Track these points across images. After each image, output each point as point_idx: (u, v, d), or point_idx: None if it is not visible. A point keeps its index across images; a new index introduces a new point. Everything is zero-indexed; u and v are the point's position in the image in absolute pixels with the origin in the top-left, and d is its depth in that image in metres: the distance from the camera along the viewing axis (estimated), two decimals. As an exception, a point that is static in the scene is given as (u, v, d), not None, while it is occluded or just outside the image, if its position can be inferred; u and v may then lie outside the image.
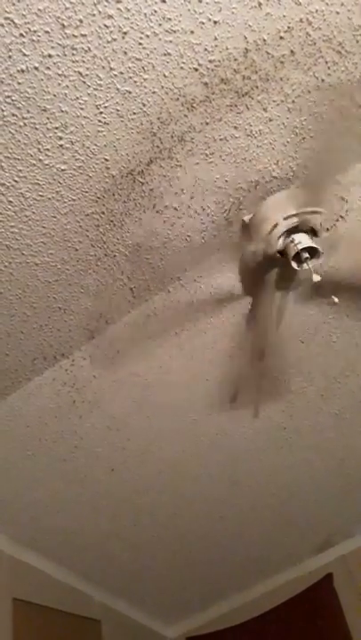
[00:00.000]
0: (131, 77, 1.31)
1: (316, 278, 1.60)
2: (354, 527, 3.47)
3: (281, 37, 1.33)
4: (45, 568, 2.80)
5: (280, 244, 1.64)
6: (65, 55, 1.23)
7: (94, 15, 1.18)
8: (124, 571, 3.16)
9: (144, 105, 1.37)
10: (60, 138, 1.36)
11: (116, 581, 3.23)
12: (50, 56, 1.22)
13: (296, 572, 3.64)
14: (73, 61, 1.24)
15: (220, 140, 1.51)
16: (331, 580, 3.48)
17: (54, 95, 1.28)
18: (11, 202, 1.45)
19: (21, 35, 1.17)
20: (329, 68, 1.43)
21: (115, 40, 1.23)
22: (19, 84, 1.24)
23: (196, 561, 3.31)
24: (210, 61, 1.33)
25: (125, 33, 1.23)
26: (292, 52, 1.37)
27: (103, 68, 1.27)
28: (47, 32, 1.18)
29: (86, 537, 2.78)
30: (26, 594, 2.55)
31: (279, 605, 3.56)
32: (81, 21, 1.19)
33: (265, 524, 3.19)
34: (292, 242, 1.62)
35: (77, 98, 1.30)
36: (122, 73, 1.29)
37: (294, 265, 1.62)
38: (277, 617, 3.55)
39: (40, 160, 1.39)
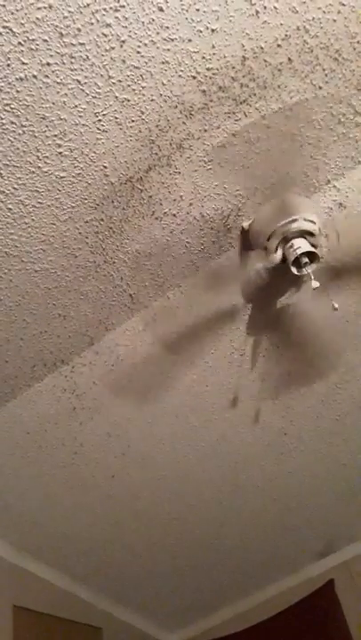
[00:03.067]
0: (129, 85, 1.31)
1: (316, 284, 1.60)
2: (355, 533, 3.46)
3: (278, 45, 1.34)
4: (46, 575, 2.80)
5: (279, 249, 1.64)
6: (63, 63, 1.23)
7: (92, 24, 1.19)
8: (126, 577, 3.15)
9: (142, 113, 1.37)
10: (59, 145, 1.37)
11: (118, 588, 3.23)
12: (48, 64, 1.23)
13: (298, 579, 3.63)
14: (71, 69, 1.25)
15: (219, 147, 1.51)
16: (333, 586, 3.47)
17: (53, 103, 1.29)
18: (10, 209, 1.46)
19: (20, 43, 1.18)
20: (326, 75, 1.44)
21: (113, 48, 1.24)
22: (17, 92, 1.25)
23: (197, 567, 3.30)
24: (208, 69, 1.34)
25: (124, 41, 1.24)
26: (289, 59, 1.38)
27: (102, 76, 1.28)
28: (46, 41, 1.19)
29: (87, 543, 2.78)
30: (26, 601, 2.54)
31: (281, 612, 3.55)
32: (79, 30, 1.19)
33: (266, 529, 3.18)
34: (291, 247, 1.62)
35: (76, 106, 1.31)
36: (120, 81, 1.30)
37: (294, 270, 1.62)
38: (279, 623, 3.54)
39: (39, 167, 1.39)
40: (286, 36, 1.33)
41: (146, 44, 1.26)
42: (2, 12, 1.13)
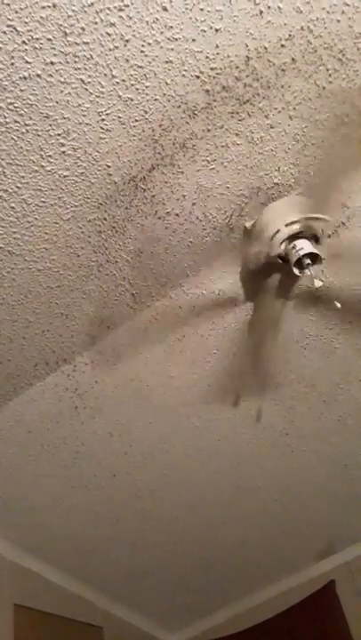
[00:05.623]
0: (133, 85, 1.31)
1: (318, 284, 1.60)
2: (357, 534, 3.45)
3: (282, 45, 1.34)
4: (47, 574, 2.80)
5: (282, 249, 1.64)
6: (67, 63, 1.24)
7: (96, 23, 1.19)
8: (126, 577, 3.16)
9: (146, 112, 1.37)
10: (63, 144, 1.37)
11: (118, 587, 3.23)
12: (52, 63, 1.23)
13: (299, 579, 3.63)
14: (75, 69, 1.25)
15: (222, 146, 1.51)
16: (333, 586, 3.46)
17: (57, 102, 1.29)
18: (13, 208, 1.46)
19: (24, 42, 1.18)
20: (330, 75, 1.44)
21: (117, 48, 1.24)
22: (21, 90, 1.25)
23: (198, 567, 3.30)
24: (211, 69, 1.34)
25: (127, 41, 1.24)
26: (293, 59, 1.38)
27: (105, 75, 1.28)
28: (50, 40, 1.19)
29: (88, 542, 2.78)
30: (27, 600, 2.54)
31: (282, 612, 3.55)
32: (83, 29, 1.19)
33: (267, 529, 3.18)
34: (293, 248, 1.62)
35: (80, 105, 1.31)
36: (124, 80, 1.30)
37: (296, 271, 1.62)
38: (280, 624, 3.53)
39: (42, 166, 1.40)
40: (290, 36, 1.33)
41: (150, 44, 1.26)
42: (6, 11, 1.13)
